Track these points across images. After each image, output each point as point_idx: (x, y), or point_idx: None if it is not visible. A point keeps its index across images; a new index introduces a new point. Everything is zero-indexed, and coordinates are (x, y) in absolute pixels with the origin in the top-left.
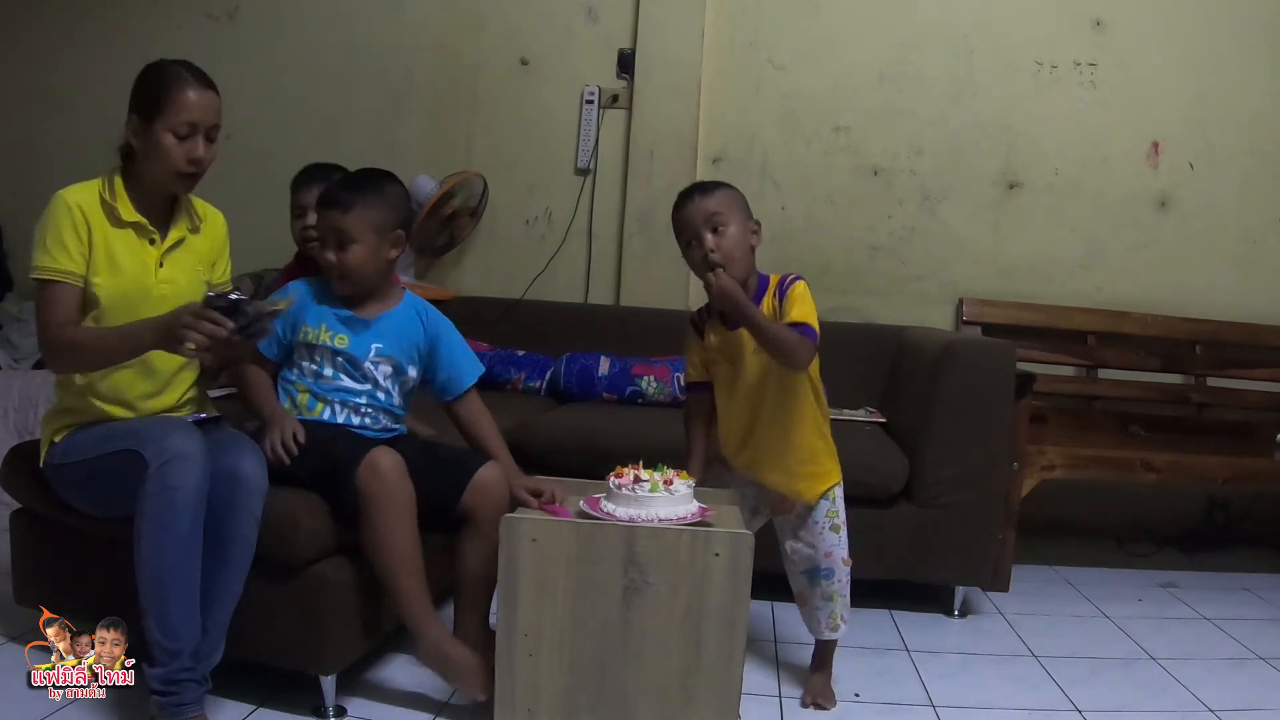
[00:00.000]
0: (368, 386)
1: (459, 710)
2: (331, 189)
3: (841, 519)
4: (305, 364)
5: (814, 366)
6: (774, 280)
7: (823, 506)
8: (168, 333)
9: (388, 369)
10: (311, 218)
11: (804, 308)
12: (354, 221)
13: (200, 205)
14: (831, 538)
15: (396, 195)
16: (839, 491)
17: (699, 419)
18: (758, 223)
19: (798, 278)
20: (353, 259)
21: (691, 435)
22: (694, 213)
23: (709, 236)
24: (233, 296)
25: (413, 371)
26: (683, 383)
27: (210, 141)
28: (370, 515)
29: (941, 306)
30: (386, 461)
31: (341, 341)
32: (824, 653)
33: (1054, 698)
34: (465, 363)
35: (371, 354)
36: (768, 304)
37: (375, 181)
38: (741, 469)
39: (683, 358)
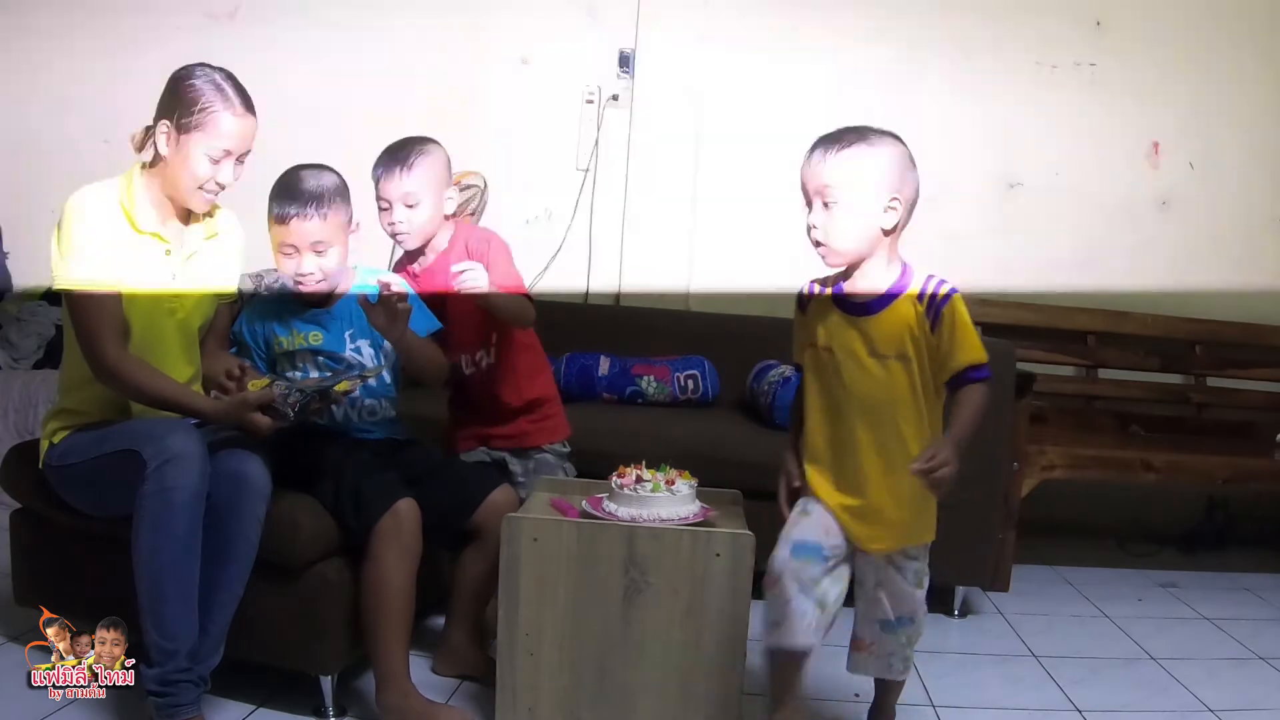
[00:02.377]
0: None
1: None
2: (296, 202)
3: (926, 572)
4: (290, 374)
5: (937, 408)
6: (918, 280)
7: (910, 568)
8: (230, 420)
9: (369, 349)
10: (400, 211)
11: (971, 341)
12: (331, 227)
13: (218, 211)
14: (918, 595)
15: (344, 186)
16: (924, 551)
17: (798, 409)
18: (901, 196)
19: (953, 290)
20: (334, 262)
21: (793, 427)
22: (809, 176)
23: (814, 211)
24: (295, 398)
25: (388, 345)
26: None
27: (240, 165)
28: (379, 555)
29: None
30: (409, 513)
31: (316, 339)
32: (890, 696)
33: (1054, 698)
34: (420, 324)
35: (348, 342)
36: (908, 310)
37: (329, 177)
38: (814, 490)
39: (683, 358)
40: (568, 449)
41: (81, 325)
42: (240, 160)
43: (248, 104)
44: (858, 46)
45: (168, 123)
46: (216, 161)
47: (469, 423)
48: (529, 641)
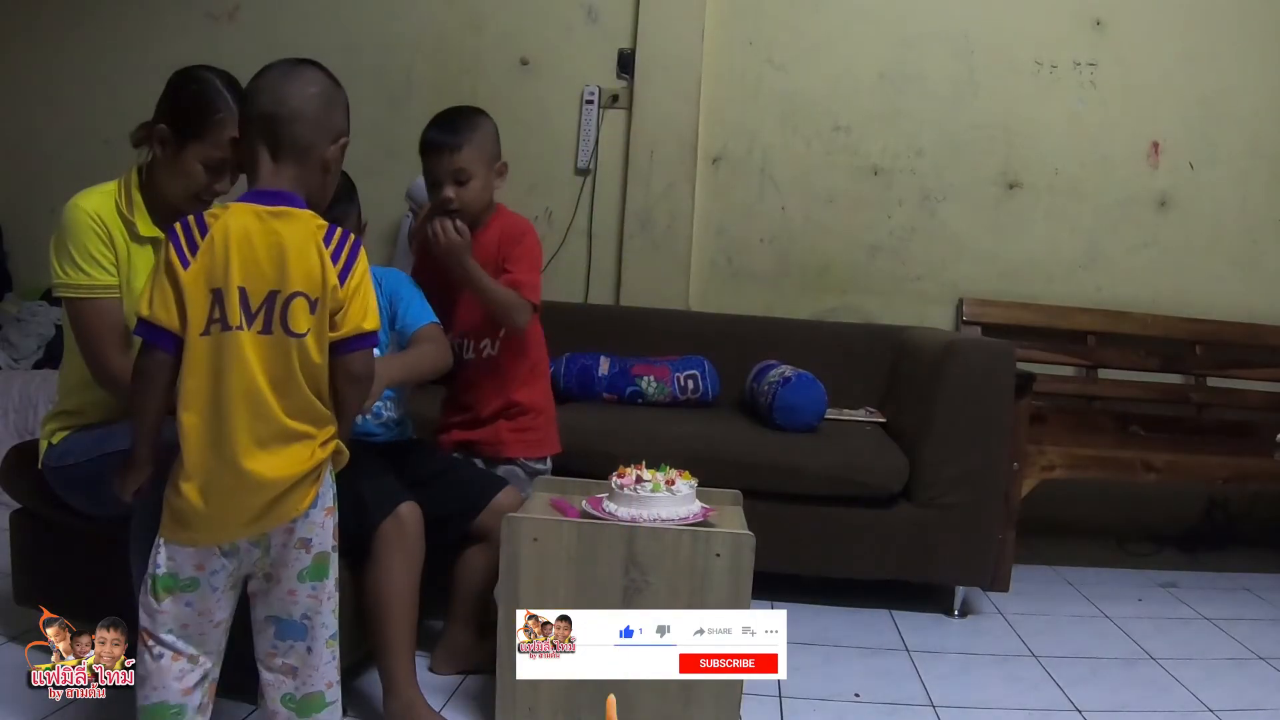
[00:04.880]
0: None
1: (459, 711)
2: None
3: None
4: None
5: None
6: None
7: None
8: None
9: (374, 351)
10: (448, 189)
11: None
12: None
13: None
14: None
15: (352, 186)
16: None
17: None
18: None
19: (339, 229)
20: None
21: None
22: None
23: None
24: None
25: (390, 335)
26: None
27: (237, 172)
28: (382, 559)
29: (941, 306)
30: (411, 517)
31: None
32: None
33: (1054, 698)
34: (418, 312)
35: None
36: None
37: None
38: None
39: (683, 358)
40: (548, 466)
41: (83, 333)
42: (237, 170)
43: None
44: (857, 46)
45: (167, 127)
46: (213, 170)
47: (452, 423)
48: None
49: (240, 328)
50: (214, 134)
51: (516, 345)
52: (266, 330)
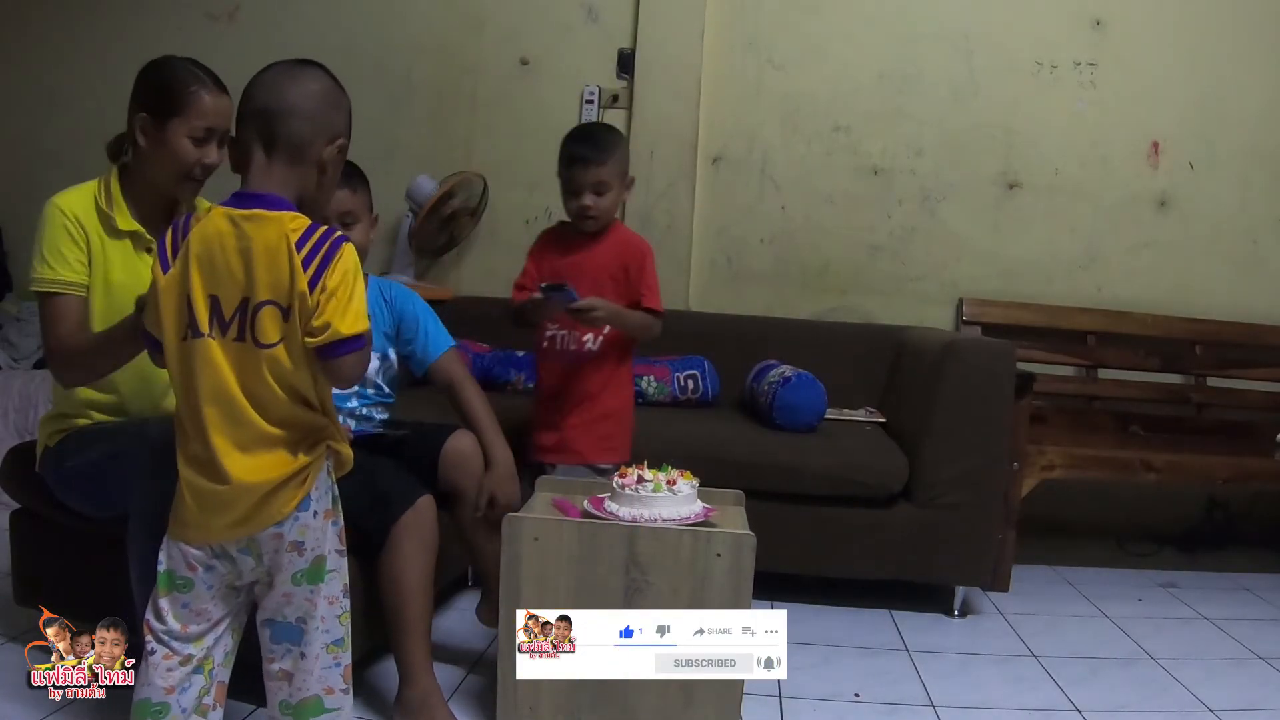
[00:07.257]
0: (355, 388)
1: (460, 710)
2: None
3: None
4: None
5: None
6: None
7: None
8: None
9: (374, 363)
10: (589, 196)
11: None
12: (359, 201)
13: (204, 206)
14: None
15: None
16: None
17: None
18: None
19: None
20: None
21: None
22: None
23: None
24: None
25: (391, 355)
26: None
27: (220, 146)
28: (404, 548)
29: (941, 306)
30: (429, 509)
31: None
32: None
33: (1054, 698)
34: (435, 334)
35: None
36: None
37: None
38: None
39: (683, 358)
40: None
41: (45, 324)
42: (222, 142)
43: (219, 84)
44: (857, 46)
45: (146, 115)
46: (200, 142)
47: (540, 425)
48: None
49: (210, 335)
50: (192, 106)
51: (618, 345)
52: (240, 338)
